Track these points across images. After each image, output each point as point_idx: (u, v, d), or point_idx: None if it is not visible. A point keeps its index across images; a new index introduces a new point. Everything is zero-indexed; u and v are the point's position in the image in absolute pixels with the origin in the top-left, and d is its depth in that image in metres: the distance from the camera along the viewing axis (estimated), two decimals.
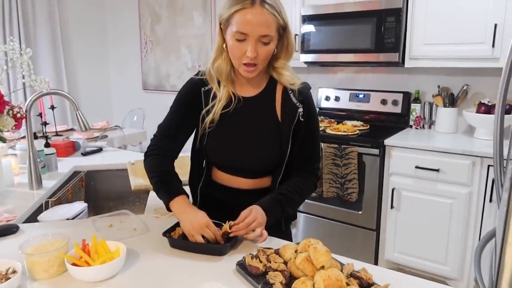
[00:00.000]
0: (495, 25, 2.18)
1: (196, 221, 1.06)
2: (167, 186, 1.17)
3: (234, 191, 1.25)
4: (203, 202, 1.29)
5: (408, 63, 2.51)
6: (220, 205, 1.25)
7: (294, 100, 1.18)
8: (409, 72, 2.79)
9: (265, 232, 1.07)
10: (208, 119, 1.18)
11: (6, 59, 1.50)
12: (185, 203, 1.13)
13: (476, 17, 2.24)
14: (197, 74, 1.24)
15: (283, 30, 1.12)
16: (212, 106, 1.18)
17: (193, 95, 1.21)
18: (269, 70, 1.22)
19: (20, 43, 3.80)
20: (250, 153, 1.20)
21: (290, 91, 1.19)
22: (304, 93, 1.19)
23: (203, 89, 1.21)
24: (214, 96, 1.19)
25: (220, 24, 1.13)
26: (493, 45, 2.20)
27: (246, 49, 1.08)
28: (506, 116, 1.36)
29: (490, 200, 2.11)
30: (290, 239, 1.24)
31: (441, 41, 2.37)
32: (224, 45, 1.15)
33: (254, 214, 1.06)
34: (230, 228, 1.06)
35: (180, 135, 1.24)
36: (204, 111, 1.19)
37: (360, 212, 2.52)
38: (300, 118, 1.17)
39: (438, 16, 2.36)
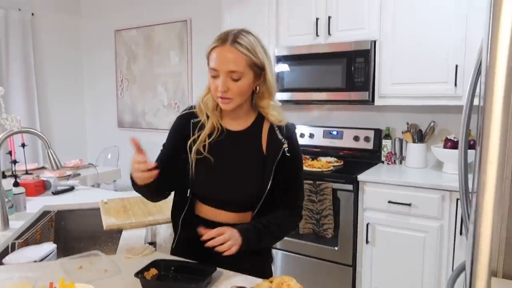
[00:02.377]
0: (456, 66, 2.32)
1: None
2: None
3: (216, 225, 1.23)
4: (183, 235, 1.29)
5: (377, 101, 2.62)
6: (200, 240, 1.23)
7: (279, 136, 1.22)
8: (379, 110, 2.90)
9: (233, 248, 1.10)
10: (194, 148, 1.23)
11: None
12: None
13: (439, 58, 2.38)
14: (189, 108, 1.31)
15: (260, 69, 1.18)
16: (199, 136, 1.24)
17: (183, 127, 1.27)
18: (257, 108, 1.27)
19: None
20: (233, 186, 1.23)
21: (276, 128, 1.24)
22: (290, 130, 1.26)
23: (192, 120, 1.27)
24: (202, 127, 1.25)
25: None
26: (455, 84, 2.34)
27: (218, 84, 1.15)
28: (469, 151, 1.43)
29: (461, 233, 2.16)
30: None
31: (408, 81, 2.50)
32: None
33: (229, 234, 1.10)
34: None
35: (172, 168, 1.26)
36: (191, 140, 1.24)
37: (336, 248, 2.52)
38: (286, 154, 1.21)
39: (403, 58, 2.49)
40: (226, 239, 1.09)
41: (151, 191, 1.23)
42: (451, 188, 2.17)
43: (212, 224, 1.25)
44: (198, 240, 1.21)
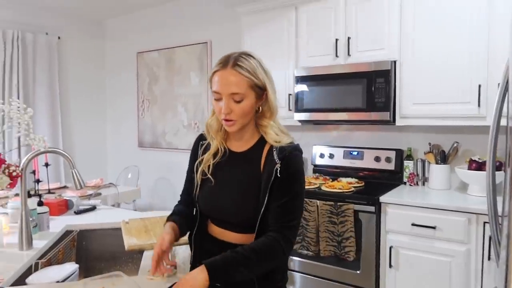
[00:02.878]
0: (479, 86, 2.28)
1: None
2: (167, 220, 1.33)
3: (226, 245, 1.24)
4: (197, 253, 1.32)
5: (399, 122, 2.58)
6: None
7: (275, 156, 1.20)
8: (400, 130, 2.86)
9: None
10: (200, 169, 1.29)
11: (4, 118, 1.53)
12: (165, 229, 1.27)
13: (461, 77, 2.35)
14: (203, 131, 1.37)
15: (261, 89, 1.20)
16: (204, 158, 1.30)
17: (195, 150, 1.36)
18: (258, 128, 1.28)
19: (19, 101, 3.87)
20: (231, 206, 1.24)
21: (274, 149, 1.22)
22: (286, 151, 1.19)
23: (201, 142, 1.35)
24: (208, 149, 1.30)
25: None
26: (479, 105, 2.29)
27: (221, 106, 1.19)
28: (497, 172, 1.39)
29: (489, 258, 2.08)
30: None
31: (429, 101, 2.46)
32: None
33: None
34: None
35: (193, 189, 1.33)
36: (197, 162, 1.31)
37: (358, 272, 2.45)
38: (278, 175, 1.17)
39: (425, 77, 2.47)
40: None
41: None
42: (478, 211, 2.10)
43: (221, 243, 1.27)
44: (209, 257, 1.18)
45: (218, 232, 1.29)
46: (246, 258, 1.10)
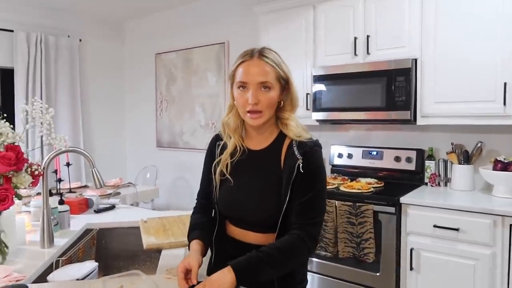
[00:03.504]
0: (505, 84, 2.21)
1: (180, 262, 1.13)
2: (189, 234, 1.28)
3: (245, 246, 1.22)
4: (217, 255, 1.29)
5: (420, 121, 2.53)
6: (232, 260, 1.19)
7: (296, 152, 1.18)
8: (421, 129, 2.80)
9: None
10: (218, 169, 1.26)
11: (27, 118, 1.55)
12: (192, 246, 1.22)
13: (485, 76, 2.28)
14: (218, 131, 1.34)
15: (285, 82, 1.20)
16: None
17: (212, 151, 1.32)
18: (278, 124, 1.26)
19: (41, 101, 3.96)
20: (252, 205, 1.21)
21: (295, 144, 1.19)
22: (307, 146, 1.18)
23: (218, 143, 1.31)
24: (225, 148, 1.27)
25: (231, 83, 1.24)
26: (504, 103, 2.22)
27: (248, 97, 1.16)
28: None
29: None
30: None
31: (452, 99, 2.40)
32: (233, 102, 1.23)
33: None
34: None
35: (211, 191, 1.30)
36: (215, 162, 1.27)
37: (378, 274, 2.41)
38: (300, 170, 1.15)
39: (447, 76, 2.41)
40: None
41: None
42: (504, 213, 2.03)
43: (241, 244, 1.24)
44: (231, 259, 1.19)
45: (238, 233, 1.26)
46: (272, 257, 1.08)
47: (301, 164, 1.15)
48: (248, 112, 1.17)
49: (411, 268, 2.31)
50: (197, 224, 1.29)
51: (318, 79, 2.88)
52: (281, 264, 1.10)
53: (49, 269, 1.43)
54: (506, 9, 2.19)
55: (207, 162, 1.34)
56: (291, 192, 1.15)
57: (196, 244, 1.22)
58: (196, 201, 1.38)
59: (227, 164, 1.25)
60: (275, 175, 1.20)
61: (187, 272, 1.11)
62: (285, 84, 1.21)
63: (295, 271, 1.22)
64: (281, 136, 1.25)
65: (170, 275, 1.26)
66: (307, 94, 2.95)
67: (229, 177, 1.24)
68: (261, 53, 1.18)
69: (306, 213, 1.15)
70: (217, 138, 1.33)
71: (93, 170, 1.63)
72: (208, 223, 1.30)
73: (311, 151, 1.18)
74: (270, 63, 1.17)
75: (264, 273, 1.08)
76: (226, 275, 1.04)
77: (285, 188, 1.16)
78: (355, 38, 2.72)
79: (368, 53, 2.69)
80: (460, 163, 2.55)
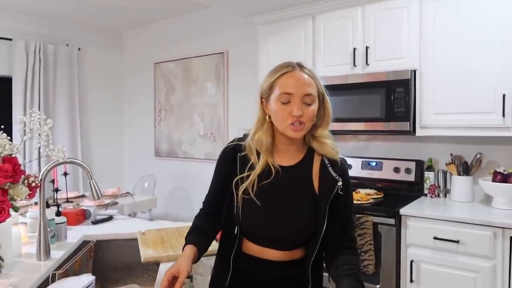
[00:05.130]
0: (504, 95, 2.21)
1: (171, 266, 1.10)
2: (187, 236, 1.23)
3: (264, 263, 1.21)
4: (234, 274, 1.22)
5: (419, 132, 2.52)
6: (250, 278, 1.22)
7: (333, 173, 1.17)
8: (420, 140, 2.80)
9: None
10: (242, 187, 1.18)
11: (25, 129, 1.54)
12: (185, 251, 1.17)
13: (484, 87, 2.28)
14: (232, 141, 1.27)
15: (321, 95, 1.18)
16: (248, 176, 1.18)
17: (229, 161, 1.23)
18: (309, 141, 1.23)
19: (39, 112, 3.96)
20: (284, 224, 1.18)
21: (328, 164, 1.18)
22: (343, 166, 1.20)
23: (239, 154, 1.22)
24: (252, 166, 1.19)
25: (261, 97, 1.20)
26: (503, 115, 2.22)
27: (291, 109, 1.12)
28: None
29: None
30: None
31: (451, 111, 2.40)
32: (266, 117, 1.19)
33: None
34: None
35: (221, 202, 1.27)
36: (238, 178, 1.19)
37: (378, 286, 2.39)
38: (339, 192, 1.16)
39: (446, 87, 2.41)
40: None
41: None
42: (504, 225, 2.02)
43: (258, 261, 1.22)
44: (249, 278, 1.21)
45: (258, 250, 1.22)
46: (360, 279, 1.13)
47: (340, 186, 1.16)
48: (291, 124, 1.13)
49: (411, 281, 2.29)
50: (198, 227, 1.25)
51: None
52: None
53: (45, 283, 1.40)
54: (505, 21, 2.20)
55: (220, 172, 1.27)
56: (328, 211, 1.16)
57: (189, 250, 1.17)
58: (202, 205, 1.31)
59: (253, 183, 1.17)
60: (308, 192, 1.19)
61: (174, 279, 1.08)
62: (321, 98, 1.18)
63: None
64: (310, 153, 1.23)
65: None
66: None
67: (253, 197, 1.17)
68: (301, 66, 1.17)
69: (348, 232, 1.22)
70: (235, 149, 1.23)
71: (91, 181, 1.62)
72: (209, 229, 1.26)
73: (346, 169, 1.21)
74: (312, 76, 1.16)
75: None
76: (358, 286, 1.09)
77: (323, 207, 1.16)
78: (354, 49, 2.73)
79: (367, 64, 2.69)
80: (459, 174, 2.55)
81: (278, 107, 1.14)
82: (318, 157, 1.21)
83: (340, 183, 1.16)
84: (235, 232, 1.21)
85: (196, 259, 1.18)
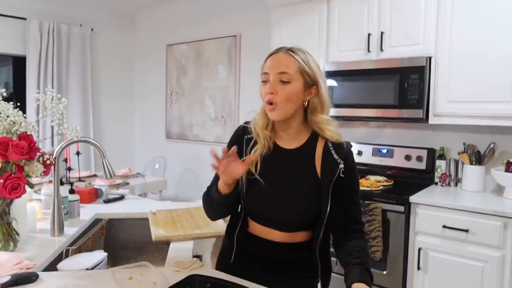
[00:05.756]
0: None
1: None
2: (207, 193, 1.28)
3: (267, 243, 1.24)
4: (237, 251, 1.28)
5: (432, 120, 2.49)
6: (253, 257, 1.26)
7: (335, 156, 1.18)
8: (433, 129, 2.77)
9: None
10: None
11: (40, 107, 1.56)
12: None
13: (501, 75, 2.24)
14: (246, 123, 1.31)
15: (311, 80, 1.18)
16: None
17: (239, 140, 1.28)
18: (312, 125, 1.24)
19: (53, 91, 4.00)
20: (286, 206, 1.20)
21: (331, 147, 1.19)
22: (346, 149, 1.21)
23: (246, 136, 1.27)
24: (254, 145, 1.24)
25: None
26: None
27: (267, 88, 1.17)
28: None
29: None
30: None
31: (466, 99, 2.36)
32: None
33: None
34: None
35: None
36: (243, 159, 1.21)
37: (384, 272, 2.40)
38: (341, 175, 1.16)
39: (461, 75, 2.37)
40: None
41: (228, 204, 1.24)
42: None
43: (263, 242, 1.25)
44: (251, 256, 1.24)
45: (262, 230, 1.25)
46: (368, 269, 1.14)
47: (342, 169, 1.16)
48: (267, 103, 1.17)
49: (419, 268, 2.30)
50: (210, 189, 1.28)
51: (330, 74, 2.85)
52: None
53: (59, 258, 1.44)
54: None
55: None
56: (331, 194, 1.16)
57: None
58: (210, 184, 1.32)
59: (257, 163, 1.22)
60: (311, 176, 1.20)
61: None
62: (311, 82, 1.18)
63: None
64: (314, 137, 1.24)
65: (179, 267, 1.26)
66: None
67: (258, 177, 1.21)
68: (289, 48, 1.19)
69: (355, 212, 1.23)
70: (244, 130, 1.29)
71: (103, 160, 1.64)
72: None
73: (350, 153, 1.22)
74: (294, 56, 1.17)
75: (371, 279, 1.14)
76: (367, 277, 1.10)
77: (325, 191, 1.17)
78: (369, 35, 2.69)
79: (381, 49, 2.65)
80: (471, 164, 2.52)
81: (260, 86, 1.21)
82: (322, 141, 1.23)
83: (341, 166, 1.16)
84: (239, 211, 1.27)
85: (232, 189, 1.20)
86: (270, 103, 1.16)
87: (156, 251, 1.92)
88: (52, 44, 4.11)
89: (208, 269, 1.29)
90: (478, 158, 2.51)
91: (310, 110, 1.21)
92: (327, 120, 1.21)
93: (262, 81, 1.20)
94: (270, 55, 1.21)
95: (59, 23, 4.16)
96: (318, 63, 1.22)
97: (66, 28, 4.22)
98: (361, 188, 2.47)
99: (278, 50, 1.20)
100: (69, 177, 2.93)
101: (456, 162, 2.66)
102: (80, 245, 1.55)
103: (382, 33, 2.64)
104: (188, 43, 4.33)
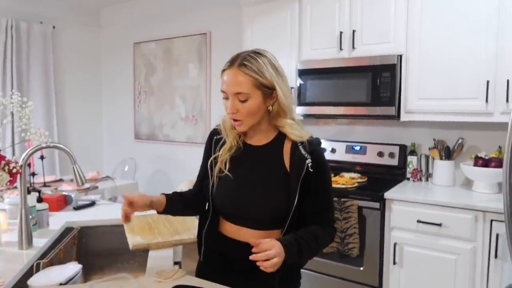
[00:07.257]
0: (487, 82, 2.24)
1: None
2: None
3: (239, 245, 1.21)
4: (207, 253, 1.29)
5: (404, 117, 2.54)
6: (223, 259, 1.25)
7: (303, 151, 1.19)
8: (404, 125, 2.83)
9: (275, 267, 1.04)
10: (216, 167, 1.26)
11: (3, 111, 1.46)
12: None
13: (469, 73, 2.31)
14: (218, 125, 1.34)
15: (269, 89, 1.17)
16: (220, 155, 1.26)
17: (209, 144, 1.33)
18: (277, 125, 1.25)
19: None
20: (255, 201, 1.20)
21: (299, 144, 1.21)
22: (313, 145, 1.21)
23: (215, 137, 1.31)
24: (223, 145, 1.28)
25: None
26: (486, 101, 2.26)
27: (228, 106, 1.19)
28: (498, 169, 1.37)
29: (496, 256, 2.06)
30: None
31: (436, 96, 2.42)
32: None
33: (276, 251, 1.04)
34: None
35: (205, 183, 1.33)
36: (212, 158, 1.28)
37: (361, 268, 2.43)
38: (309, 169, 1.17)
39: (431, 72, 2.43)
40: (271, 256, 1.03)
41: (178, 212, 1.38)
42: (485, 209, 2.08)
43: (233, 242, 1.24)
44: (221, 258, 1.25)
45: (233, 230, 1.25)
46: (308, 243, 1.13)
47: (310, 164, 1.17)
48: (232, 119, 1.20)
49: (394, 263, 2.34)
50: (180, 192, 1.38)
51: (302, 73, 2.85)
52: (314, 253, 1.20)
53: (29, 273, 1.35)
54: (491, 10, 2.21)
55: (204, 156, 1.35)
56: (300, 190, 1.16)
57: (158, 195, 1.29)
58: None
59: (225, 161, 1.24)
60: (280, 171, 1.21)
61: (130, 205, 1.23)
62: (269, 91, 1.17)
63: (297, 269, 1.28)
64: (281, 135, 1.25)
65: (161, 278, 1.21)
66: (292, 88, 2.92)
67: (228, 173, 1.23)
68: (242, 62, 1.15)
69: (324, 208, 1.22)
70: (214, 133, 1.33)
71: (74, 167, 1.55)
72: (189, 197, 1.36)
73: (318, 149, 1.22)
74: (247, 72, 1.14)
75: (301, 258, 1.15)
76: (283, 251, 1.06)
77: (294, 186, 1.17)
78: (341, 33, 2.71)
79: (353, 48, 2.68)
80: (441, 159, 2.59)
81: (223, 101, 1.21)
82: (289, 138, 1.24)
83: (308, 161, 1.17)
84: (206, 208, 1.29)
85: (161, 208, 1.28)
86: (235, 120, 1.19)
87: (132, 258, 1.85)
88: (11, 43, 3.89)
89: (192, 278, 1.25)
90: (447, 153, 2.59)
91: (272, 116, 1.22)
92: (289, 124, 1.22)
93: (223, 98, 1.20)
94: (225, 69, 1.19)
95: (18, 20, 3.94)
96: (276, 65, 1.19)
97: (26, 25, 4.00)
98: (336, 185, 2.51)
99: (231, 64, 1.17)
100: (33, 183, 2.79)
101: (427, 157, 2.73)
102: (52, 257, 1.46)
103: (353, 31, 2.66)
104: (157, 41, 4.22)
